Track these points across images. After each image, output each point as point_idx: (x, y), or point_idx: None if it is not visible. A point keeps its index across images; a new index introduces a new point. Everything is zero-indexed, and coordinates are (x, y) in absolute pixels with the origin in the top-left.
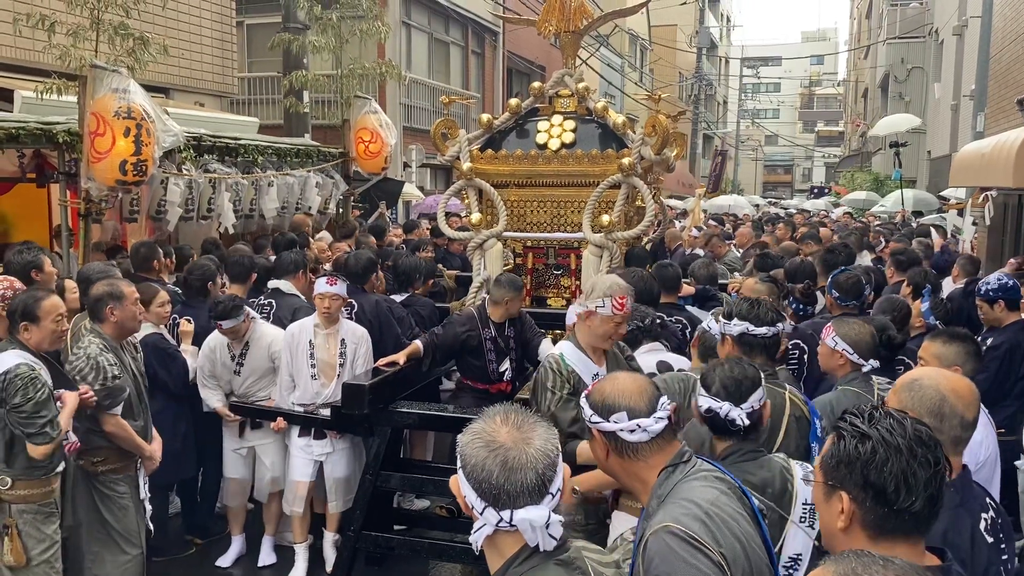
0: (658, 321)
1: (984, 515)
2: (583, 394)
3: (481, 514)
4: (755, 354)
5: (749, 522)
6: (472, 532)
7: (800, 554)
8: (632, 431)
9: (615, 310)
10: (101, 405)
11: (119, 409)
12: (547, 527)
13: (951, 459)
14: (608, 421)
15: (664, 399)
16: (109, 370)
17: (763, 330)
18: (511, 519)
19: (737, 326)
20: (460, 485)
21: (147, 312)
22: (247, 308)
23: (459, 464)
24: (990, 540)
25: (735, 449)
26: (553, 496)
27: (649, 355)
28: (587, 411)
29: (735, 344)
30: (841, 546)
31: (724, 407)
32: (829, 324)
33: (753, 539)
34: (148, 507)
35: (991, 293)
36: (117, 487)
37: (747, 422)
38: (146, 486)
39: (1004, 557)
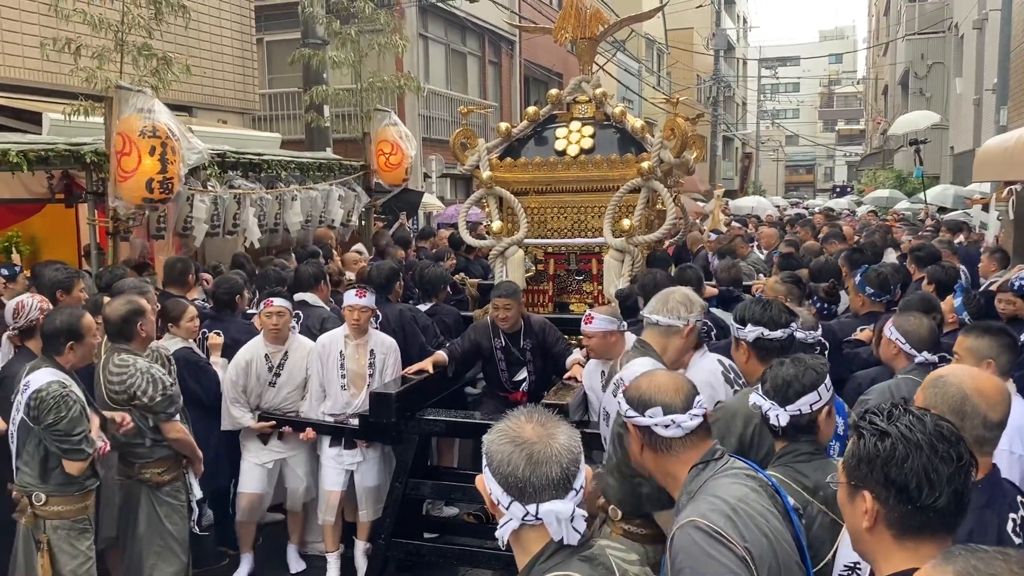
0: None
1: (1013, 515)
2: (621, 389)
3: (507, 508)
4: (771, 357)
5: (780, 520)
6: (499, 528)
7: (858, 563)
8: (667, 426)
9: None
10: (165, 414)
11: (178, 416)
12: (572, 521)
13: (979, 459)
14: (643, 416)
15: (700, 398)
16: (164, 379)
17: (778, 333)
18: (537, 512)
19: (752, 331)
20: (486, 482)
21: (177, 327)
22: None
23: (485, 462)
24: (1018, 541)
25: (790, 450)
26: (577, 492)
27: (705, 359)
28: (623, 406)
29: (750, 349)
30: (868, 547)
31: (766, 406)
32: (892, 318)
33: (783, 536)
34: (196, 510)
35: None
36: (179, 495)
37: (782, 423)
38: (197, 488)
39: None
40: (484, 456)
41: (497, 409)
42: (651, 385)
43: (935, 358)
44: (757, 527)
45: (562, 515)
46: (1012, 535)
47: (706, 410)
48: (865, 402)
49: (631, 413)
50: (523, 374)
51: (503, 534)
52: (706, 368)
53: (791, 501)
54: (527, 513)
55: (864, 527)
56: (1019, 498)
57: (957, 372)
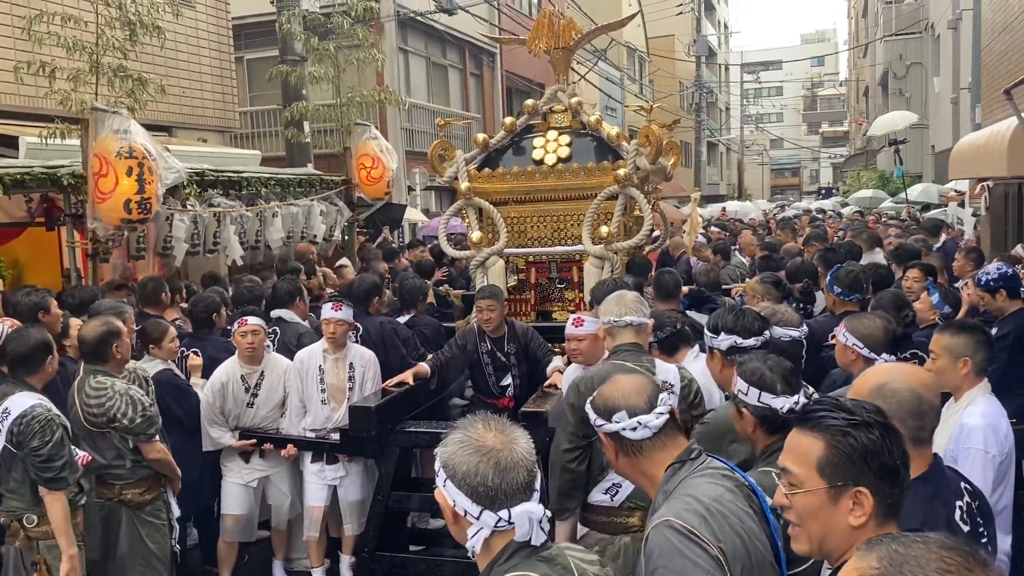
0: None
1: (959, 502)
2: (588, 400)
3: (478, 518)
4: None
5: (755, 520)
6: (469, 539)
7: None
8: (634, 428)
9: None
10: (145, 435)
11: (158, 436)
12: (540, 521)
13: (923, 452)
14: (611, 422)
15: (664, 395)
16: (143, 400)
17: (752, 341)
18: (509, 517)
19: (725, 340)
20: (447, 495)
21: (159, 348)
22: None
23: (444, 475)
24: (967, 529)
25: (779, 447)
26: (537, 491)
27: (698, 361)
28: (592, 415)
29: (724, 357)
30: (846, 546)
31: (780, 403)
32: (843, 321)
33: (757, 536)
34: (177, 527)
35: (991, 283)
36: (161, 514)
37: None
38: (176, 506)
39: (984, 541)
40: (443, 469)
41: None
42: (614, 390)
43: (893, 359)
44: (731, 527)
45: (534, 515)
46: (960, 523)
47: (671, 407)
48: None
49: (600, 422)
50: (508, 379)
51: (475, 544)
52: (698, 370)
53: (769, 501)
54: (499, 520)
55: (856, 525)
56: (963, 485)
57: (898, 376)
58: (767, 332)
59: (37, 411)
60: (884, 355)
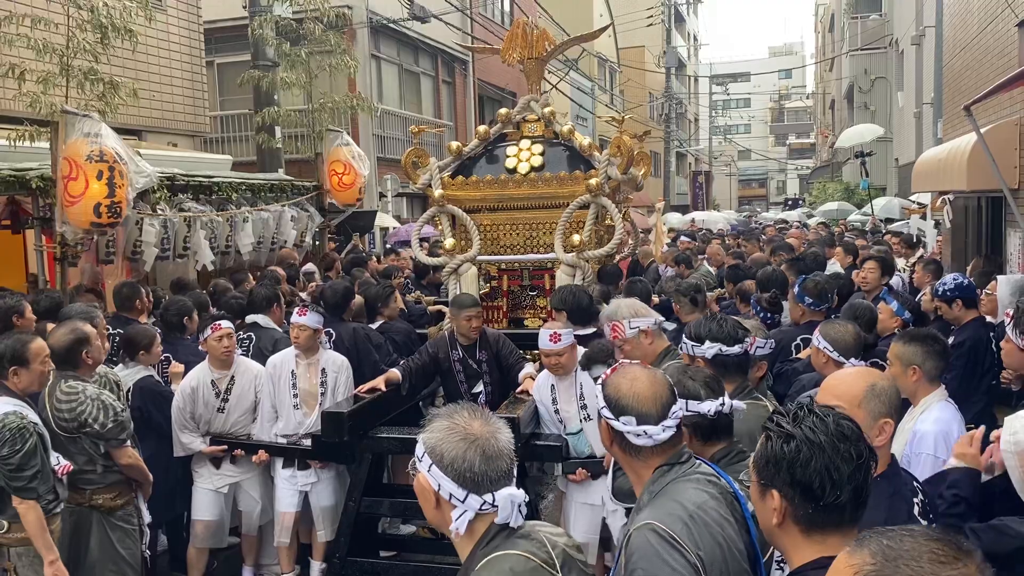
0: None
1: (916, 499)
2: (600, 379)
3: (463, 501)
4: (730, 373)
5: (735, 528)
6: (453, 520)
7: None
8: (638, 435)
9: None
10: (117, 440)
11: (129, 441)
12: (519, 505)
13: (882, 453)
14: (617, 420)
15: (676, 407)
16: (115, 405)
17: (736, 349)
18: (494, 500)
19: (710, 348)
20: (432, 480)
21: (148, 355)
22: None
23: (429, 460)
24: (924, 523)
25: (728, 451)
26: (515, 478)
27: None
28: (600, 400)
29: (708, 365)
30: (779, 541)
31: (717, 405)
32: (818, 327)
33: (735, 544)
34: (147, 532)
35: (948, 293)
36: (131, 519)
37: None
38: (146, 511)
39: None
40: (428, 454)
41: None
42: (630, 391)
43: (862, 364)
44: (712, 535)
45: (516, 499)
46: (920, 518)
47: (680, 419)
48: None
49: (606, 413)
50: (480, 387)
51: (460, 525)
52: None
53: (751, 507)
54: (484, 503)
55: (774, 523)
56: (915, 484)
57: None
58: (747, 339)
59: (9, 419)
60: (853, 359)
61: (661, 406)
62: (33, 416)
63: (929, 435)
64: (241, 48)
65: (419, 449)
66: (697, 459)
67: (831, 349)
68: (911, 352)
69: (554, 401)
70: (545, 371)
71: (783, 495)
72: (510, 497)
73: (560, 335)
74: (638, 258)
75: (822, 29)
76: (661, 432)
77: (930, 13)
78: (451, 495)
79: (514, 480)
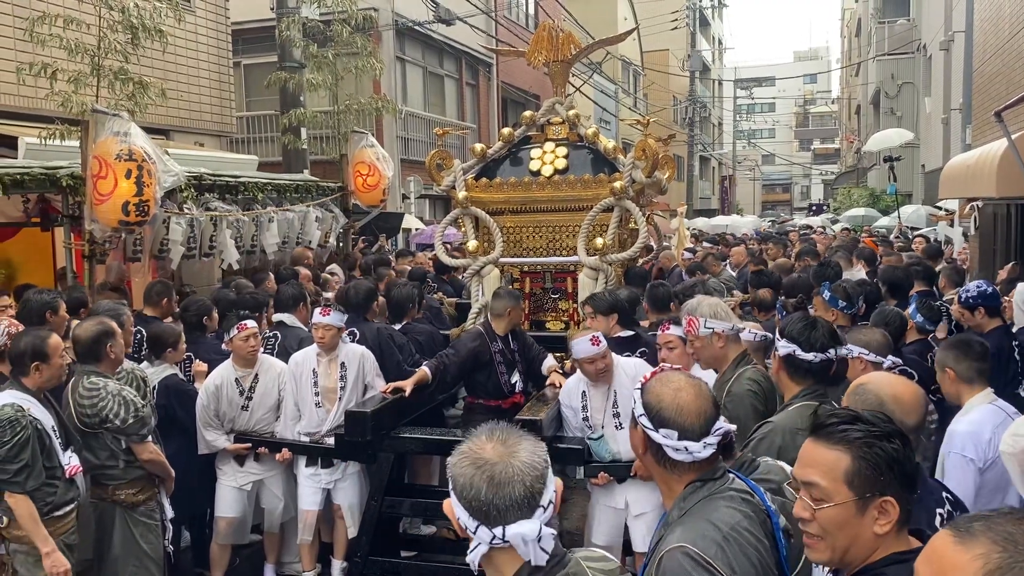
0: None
1: (940, 510)
2: (639, 384)
3: (475, 533)
4: (800, 377)
5: (767, 548)
6: (469, 553)
7: None
8: (677, 451)
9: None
10: (138, 435)
11: (150, 437)
12: (539, 541)
13: None
14: (657, 432)
15: (719, 423)
16: (135, 401)
17: (811, 356)
18: (503, 535)
19: (785, 347)
20: (453, 506)
21: (175, 352)
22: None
23: (450, 486)
24: None
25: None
26: (544, 509)
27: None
28: (638, 407)
29: (782, 363)
30: (868, 554)
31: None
32: (847, 336)
33: (769, 566)
34: (170, 528)
35: (971, 300)
36: (154, 514)
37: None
38: (169, 506)
39: None
40: (449, 480)
41: (485, 421)
42: (673, 402)
43: (899, 361)
44: (747, 557)
45: (528, 536)
46: (939, 528)
47: (721, 437)
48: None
49: (645, 422)
50: (516, 376)
51: (473, 559)
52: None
53: (782, 522)
54: (494, 536)
55: (881, 533)
56: (944, 495)
57: (877, 380)
58: (832, 351)
59: (3, 411)
60: (891, 356)
61: (705, 420)
62: (38, 412)
63: (959, 435)
64: (268, 49)
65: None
66: (730, 473)
67: (866, 352)
68: (943, 355)
69: (584, 407)
70: (577, 374)
71: (897, 498)
72: (520, 535)
73: (600, 339)
74: (661, 262)
75: (848, 33)
76: (702, 450)
77: (959, 18)
78: (465, 525)
79: (539, 511)
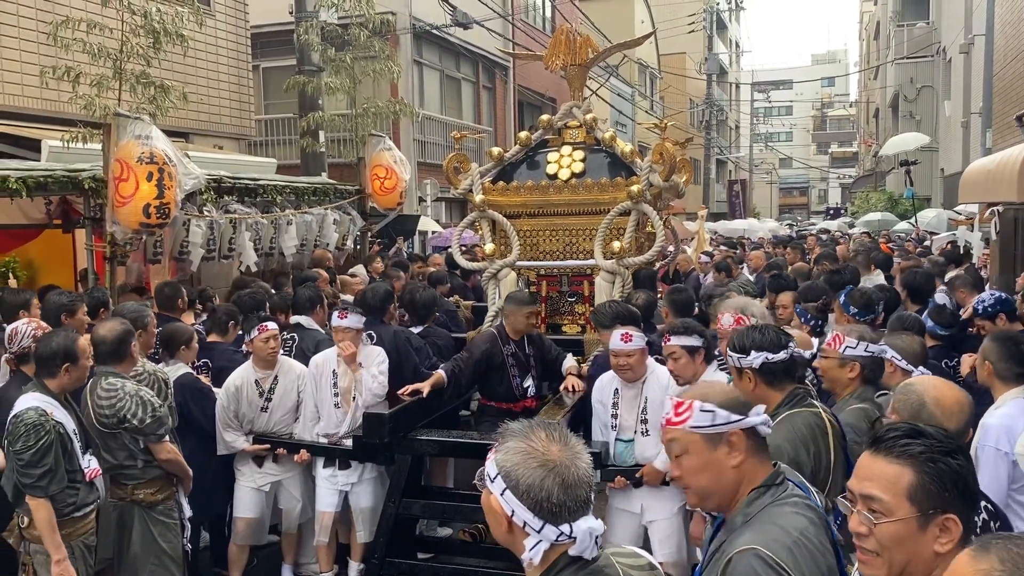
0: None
1: (975, 519)
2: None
3: (539, 531)
4: (779, 380)
5: (833, 555)
6: (527, 549)
7: None
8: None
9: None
10: (155, 435)
11: (168, 436)
12: (597, 537)
13: None
14: (747, 415)
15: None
16: (153, 401)
17: (782, 355)
18: (571, 532)
19: (756, 357)
20: (506, 504)
21: (188, 350)
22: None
23: (504, 484)
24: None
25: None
26: (592, 504)
27: (717, 375)
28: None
29: (756, 375)
30: (926, 572)
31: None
32: (883, 338)
33: (834, 573)
34: (188, 527)
35: (989, 309)
36: (172, 513)
37: None
38: (187, 506)
39: None
40: (502, 477)
41: (495, 426)
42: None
43: (929, 372)
44: (815, 563)
45: (596, 531)
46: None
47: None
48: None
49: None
50: (529, 381)
51: (535, 555)
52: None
53: (836, 534)
54: (561, 534)
55: (943, 551)
56: (983, 504)
57: (923, 381)
58: (792, 344)
59: (28, 414)
60: (921, 368)
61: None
62: (60, 415)
63: (992, 428)
64: (286, 53)
65: (491, 469)
66: (789, 480)
67: (899, 358)
68: (988, 347)
69: (615, 405)
70: (611, 372)
71: (961, 516)
72: (589, 530)
73: (632, 335)
74: (677, 266)
75: (867, 37)
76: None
77: (979, 21)
78: (525, 523)
79: (591, 507)
